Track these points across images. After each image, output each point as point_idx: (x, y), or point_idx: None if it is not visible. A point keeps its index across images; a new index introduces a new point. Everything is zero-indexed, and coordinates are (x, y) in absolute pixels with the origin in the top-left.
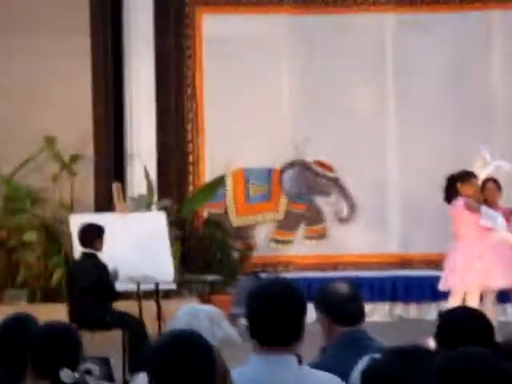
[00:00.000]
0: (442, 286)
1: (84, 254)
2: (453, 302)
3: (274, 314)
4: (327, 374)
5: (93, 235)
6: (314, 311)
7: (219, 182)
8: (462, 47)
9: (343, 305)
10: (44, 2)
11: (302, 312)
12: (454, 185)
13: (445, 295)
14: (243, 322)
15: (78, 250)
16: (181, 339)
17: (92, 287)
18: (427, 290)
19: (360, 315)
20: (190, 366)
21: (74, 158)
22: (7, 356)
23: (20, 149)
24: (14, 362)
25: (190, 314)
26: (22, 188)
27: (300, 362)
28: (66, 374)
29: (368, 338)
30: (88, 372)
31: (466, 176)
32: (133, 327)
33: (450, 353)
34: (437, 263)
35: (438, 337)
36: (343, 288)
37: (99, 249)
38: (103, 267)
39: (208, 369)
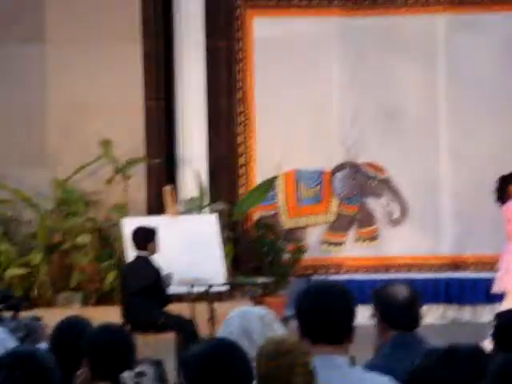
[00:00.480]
0: (495, 288)
1: (137, 257)
2: (508, 304)
3: (325, 313)
4: (378, 375)
5: (147, 238)
6: (370, 311)
7: (270, 183)
8: None
9: (401, 313)
10: (96, 10)
11: (352, 313)
12: (506, 186)
13: (499, 298)
14: (295, 324)
15: (130, 252)
16: (217, 349)
17: (144, 290)
18: (481, 293)
19: (416, 323)
20: (226, 375)
21: (129, 163)
22: (61, 358)
23: (74, 153)
24: (67, 364)
25: (242, 316)
26: (75, 191)
27: (353, 362)
28: (127, 376)
29: (420, 341)
30: (142, 374)
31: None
32: (186, 329)
33: (508, 355)
34: (491, 265)
35: (496, 339)
36: (403, 293)
37: (153, 252)
38: (156, 270)
39: (244, 379)
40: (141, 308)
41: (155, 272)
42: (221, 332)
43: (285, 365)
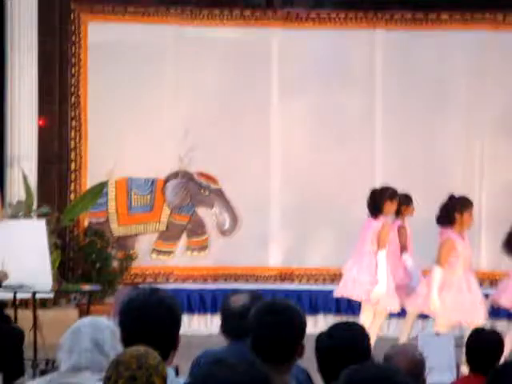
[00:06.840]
0: (338, 293)
1: None
2: (366, 316)
3: (146, 324)
4: None
5: None
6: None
7: (100, 188)
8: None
9: (235, 321)
10: None
11: (176, 323)
12: (381, 201)
13: (323, 309)
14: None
15: None
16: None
17: None
18: (306, 304)
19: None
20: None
21: None
22: None
23: None
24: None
25: (94, 327)
26: None
27: (177, 373)
28: None
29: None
30: None
31: (393, 195)
32: (12, 336)
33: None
34: (316, 277)
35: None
36: (240, 301)
37: None
38: None
39: None
40: None
41: None
42: (70, 342)
43: (147, 368)
